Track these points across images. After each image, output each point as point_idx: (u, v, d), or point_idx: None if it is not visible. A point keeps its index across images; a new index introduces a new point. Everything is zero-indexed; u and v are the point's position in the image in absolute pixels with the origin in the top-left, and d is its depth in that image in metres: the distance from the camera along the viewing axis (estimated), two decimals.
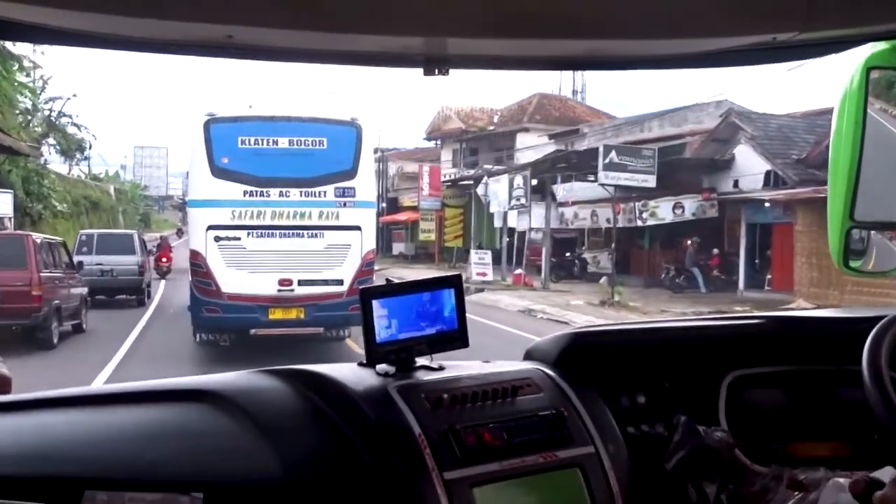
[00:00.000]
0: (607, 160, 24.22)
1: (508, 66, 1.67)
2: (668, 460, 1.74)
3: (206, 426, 1.61)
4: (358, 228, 13.11)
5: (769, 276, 24.28)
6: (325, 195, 12.97)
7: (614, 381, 1.90)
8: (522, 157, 36.62)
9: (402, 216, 44.61)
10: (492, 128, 43.47)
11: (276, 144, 12.85)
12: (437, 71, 1.54)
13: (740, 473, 1.76)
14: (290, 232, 12.90)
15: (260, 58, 1.52)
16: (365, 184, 13.35)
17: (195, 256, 12.87)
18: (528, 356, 1.98)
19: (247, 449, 1.55)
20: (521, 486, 1.60)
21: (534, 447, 1.64)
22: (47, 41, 1.49)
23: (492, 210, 32.93)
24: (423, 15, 1.30)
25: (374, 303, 1.69)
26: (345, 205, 13.04)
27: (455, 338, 1.79)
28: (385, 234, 44.55)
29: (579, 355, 1.93)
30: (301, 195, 12.91)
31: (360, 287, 1.75)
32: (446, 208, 40.56)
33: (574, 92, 46.30)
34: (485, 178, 33.07)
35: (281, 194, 12.86)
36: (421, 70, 1.55)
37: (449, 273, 1.90)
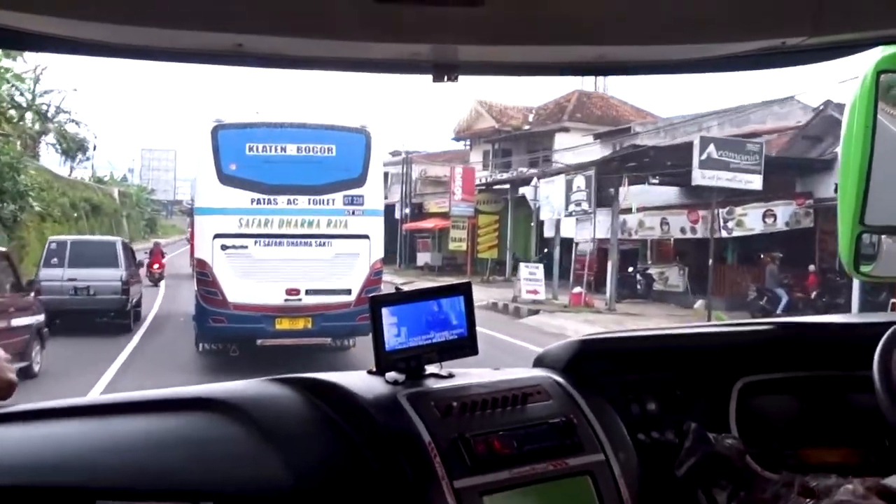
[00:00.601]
0: (704, 156, 19.85)
1: (517, 72, 1.70)
2: (678, 467, 1.76)
3: (216, 435, 1.64)
4: (366, 237, 13.12)
5: (893, 300, 18.98)
6: (333, 203, 13.00)
7: (624, 388, 1.92)
8: (562, 159, 32.98)
9: (428, 223, 41.11)
10: (527, 127, 40.25)
11: (285, 151, 12.87)
12: (446, 77, 1.57)
13: (751, 480, 1.78)
14: (298, 240, 12.91)
15: (269, 66, 1.56)
16: (373, 192, 13.39)
17: (201, 265, 12.91)
18: (538, 363, 2.01)
19: (256, 457, 1.59)
20: (531, 494, 1.63)
21: (544, 455, 1.67)
22: (60, 51, 1.52)
23: (543, 217, 27.96)
24: (431, 22, 1.33)
25: (384, 310, 1.72)
26: (353, 213, 13.06)
27: (465, 345, 1.82)
28: (408, 243, 42.40)
29: (589, 362, 1.96)
30: (309, 203, 12.94)
31: (370, 295, 1.78)
32: (480, 215, 36.24)
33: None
34: (535, 181, 28.37)
35: (289, 202, 12.88)
36: (430, 77, 1.58)
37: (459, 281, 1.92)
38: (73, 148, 50.62)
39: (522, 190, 30.36)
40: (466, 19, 1.30)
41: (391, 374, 1.76)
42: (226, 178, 12.68)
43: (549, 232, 28.68)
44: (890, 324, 1.77)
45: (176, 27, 1.31)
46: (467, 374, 1.84)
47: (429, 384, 1.77)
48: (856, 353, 1.85)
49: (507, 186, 34.42)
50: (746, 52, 1.53)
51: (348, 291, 12.89)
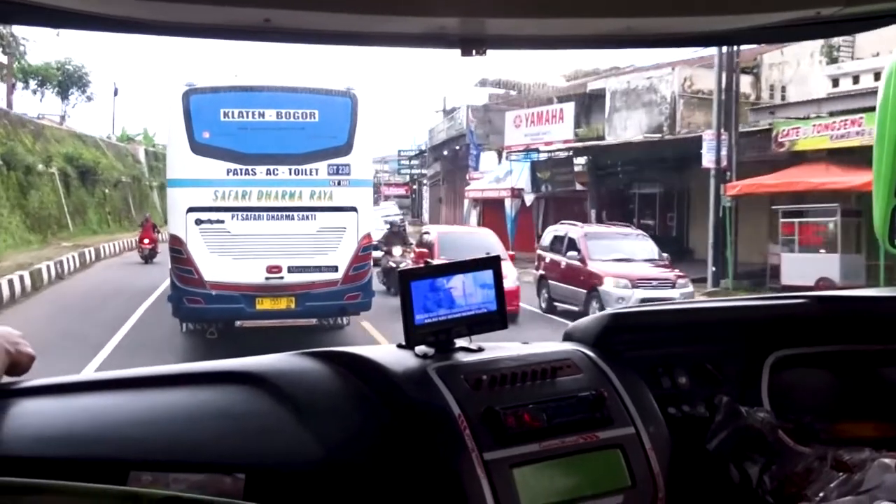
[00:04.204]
0: None
1: (545, 45, 1.81)
2: (709, 441, 1.88)
3: (249, 408, 1.77)
4: (353, 210, 13.18)
5: None
6: (316, 173, 13.02)
7: (654, 361, 2.05)
8: None
9: (810, 171, 20.30)
10: None
11: (263, 117, 12.88)
12: (474, 52, 1.68)
13: (783, 454, 1.91)
14: (279, 214, 12.96)
15: (297, 41, 1.66)
16: (361, 160, 13.39)
17: (175, 242, 12.97)
18: (568, 337, 2.13)
19: (288, 431, 1.71)
20: (560, 466, 1.75)
21: (573, 428, 1.79)
22: (87, 27, 1.61)
23: None
24: None
25: (413, 284, 1.84)
26: (339, 183, 13.08)
27: (494, 319, 1.94)
28: (734, 228, 21.69)
29: (619, 336, 2.08)
30: (290, 173, 12.96)
31: (399, 269, 1.89)
32: None
33: None
34: None
35: (268, 172, 12.90)
36: (458, 51, 1.69)
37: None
38: (53, 76, 38.35)
39: None
40: None
41: (420, 348, 1.89)
42: (199, 147, 12.70)
43: None
44: None
45: (203, 2, 1.42)
46: (497, 348, 1.97)
47: (458, 358, 1.89)
48: (891, 327, 1.97)
49: None
50: (780, 23, 1.64)
51: (335, 268, 12.97)
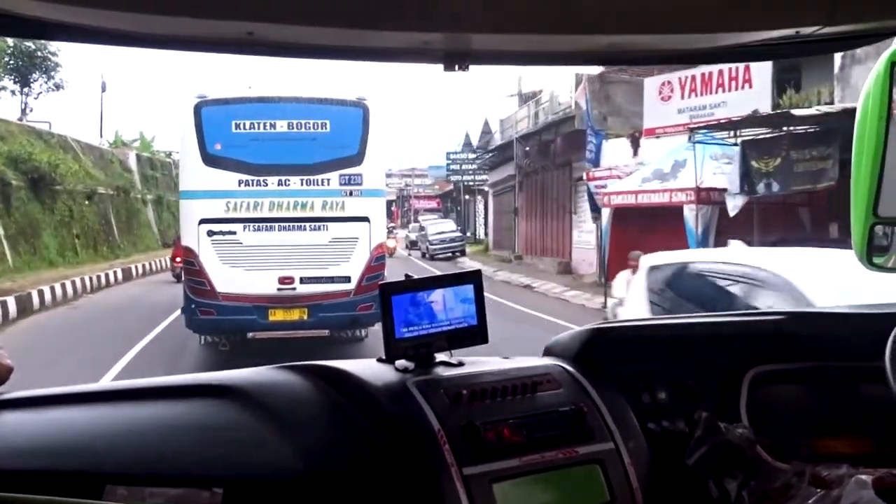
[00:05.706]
0: None
1: (529, 61, 1.84)
2: (688, 456, 1.90)
3: (226, 421, 1.80)
4: (366, 220, 13.16)
5: None
6: (328, 183, 13.02)
7: (634, 377, 2.07)
8: None
9: None
10: None
11: (275, 128, 12.88)
12: (457, 67, 1.71)
13: (762, 470, 1.93)
14: (291, 224, 12.96)
15: (280, 54, 1.70)
16: (373, 170, 13.37)
17: (187, 253, 13.02)
18: (548, 352, 2.16)
19: (266, 444, 1.74)
20: (540, 481, 1.77)
21: (553, 443, 1.82)
22: (67, 39, 1.66)
23: None
24: (441, 10, 1.47)
25: (394, 299, 1.88)
26: (351, 193, 13.08)
27: (474, 333, 1.98)
28: None
29: (599, 351, 2.11)
30: (302, 184, 12.97)
31: (380, 283, 1.93)
32: None
33: None
34: None
35: (280, 183, 12.90)
36: (441, 66, 1.73)
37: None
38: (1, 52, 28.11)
39: None
40: (477, 8, 1.44)
41: (401, 362, 1.92)
42: (210, 159, 12.73)
43: None
44: None
45: (186, 15, 1.45)
46: (477, 363, 2.00)
47: (438, 372, 1.93)
48: (869, 344, 1.99)
49: None
50: (760, 42, 1.67)
51: (347, 279, 12.96)
